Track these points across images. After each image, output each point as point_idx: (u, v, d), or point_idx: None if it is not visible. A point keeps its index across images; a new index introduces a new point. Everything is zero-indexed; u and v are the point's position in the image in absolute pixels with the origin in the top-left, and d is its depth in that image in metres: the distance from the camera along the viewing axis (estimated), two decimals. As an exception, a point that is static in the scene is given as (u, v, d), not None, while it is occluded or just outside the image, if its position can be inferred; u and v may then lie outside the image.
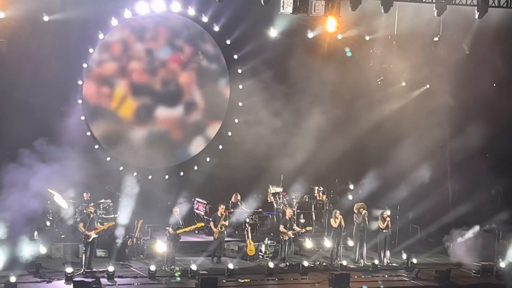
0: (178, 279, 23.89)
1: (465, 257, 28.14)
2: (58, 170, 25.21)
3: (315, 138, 30.44)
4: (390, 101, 30.94)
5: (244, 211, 29.36)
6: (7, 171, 24.60)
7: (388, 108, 30.85)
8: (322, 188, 30.93)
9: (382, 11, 26.46)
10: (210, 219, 27.51)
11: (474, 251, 28.30)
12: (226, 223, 26.86)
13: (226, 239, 27.79)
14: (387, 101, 30.96)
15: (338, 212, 27.29)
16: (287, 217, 26.93)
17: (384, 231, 27.42)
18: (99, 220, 25.91)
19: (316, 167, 30.44)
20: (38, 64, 27.33)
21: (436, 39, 29.64)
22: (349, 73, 30.85)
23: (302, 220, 29.22)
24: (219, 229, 26.64)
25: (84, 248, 24.48)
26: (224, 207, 27.41)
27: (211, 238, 27.35)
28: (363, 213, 27.20)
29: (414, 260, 26.94)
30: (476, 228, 28.85)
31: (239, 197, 29.75)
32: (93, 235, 24.61)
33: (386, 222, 27.37)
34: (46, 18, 27.67)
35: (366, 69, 31.10)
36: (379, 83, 30.71)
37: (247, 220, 28.75)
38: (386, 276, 26.04)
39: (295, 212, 28.59)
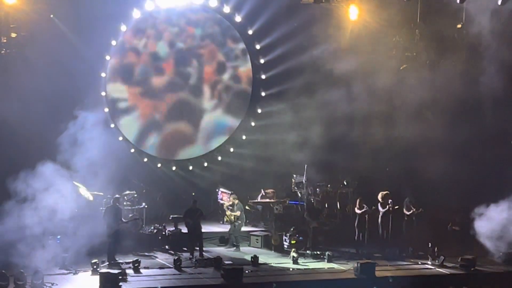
0: None
1: (491, 245, 28.00)
2: (82, 163, 25.27)
3: (337, 129, 30.38)
4: (412, 89, 30.76)
5: (268, 201, 29.43)
6: (32, 164, 24.68)
7: (410, 96, 30.67)
8: (346, 177, 30.90)
9: (405, -1, 26.47)
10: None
11: (500, 239, 28.12)
12: (238, 213, 26.97)
13: (250, 229, 27.98)
14: (409, 89, 30.81)
15: (362, 200, 27.31)
16: (313, 207, 26.99)
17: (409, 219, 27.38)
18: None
19: (339, 156, 30.37)
20: (62, 56, 27.43)
21: (459, 26, 29.44)
22: (370, 64, 30.69)
23: (327, 209, 29.24)
24: (228, 218, 26.92)
25: (110, 240, 24.60)
26: (232, 196, 27.49)
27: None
28: (388, 201, 27.14)
29: (439, 248, 26.87)
30: (503, 215, 28.64)
31: (269, 191, 29.80)
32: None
33: (411, 210, 27.32)
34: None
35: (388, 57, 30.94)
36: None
37: (274, 210, 28.86)
38: (411, 263, 26.07)
39: (321, 202, 28.56)
